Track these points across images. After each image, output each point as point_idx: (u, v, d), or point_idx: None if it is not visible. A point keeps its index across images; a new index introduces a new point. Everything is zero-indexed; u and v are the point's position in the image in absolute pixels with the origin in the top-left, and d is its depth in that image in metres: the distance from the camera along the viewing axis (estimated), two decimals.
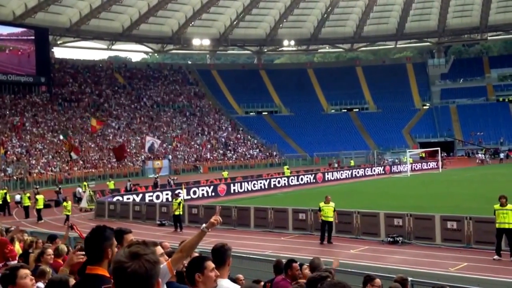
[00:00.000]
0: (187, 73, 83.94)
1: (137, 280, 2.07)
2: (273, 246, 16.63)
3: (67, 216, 23.54)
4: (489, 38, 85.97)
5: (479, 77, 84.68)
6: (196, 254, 4.18)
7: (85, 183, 34.85)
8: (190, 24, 75.36)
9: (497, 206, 13.50)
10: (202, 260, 3.61)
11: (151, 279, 2.11)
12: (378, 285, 5.41)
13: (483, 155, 61.09)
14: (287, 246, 16.56)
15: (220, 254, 3.95)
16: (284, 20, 79.18)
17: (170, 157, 57.25)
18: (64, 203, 24.53)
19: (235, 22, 77.40)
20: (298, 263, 6.37)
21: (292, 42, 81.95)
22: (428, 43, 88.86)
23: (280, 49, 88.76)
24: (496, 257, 13.33)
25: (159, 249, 3.89)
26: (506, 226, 13.20)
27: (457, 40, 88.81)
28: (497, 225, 13.39)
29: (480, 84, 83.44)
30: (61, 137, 51.44)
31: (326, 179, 40.49)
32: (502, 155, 60.80)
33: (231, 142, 68.63)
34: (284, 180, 36.91)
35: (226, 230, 19.39)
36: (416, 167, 51.99)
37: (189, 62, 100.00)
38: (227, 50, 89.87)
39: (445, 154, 66.14)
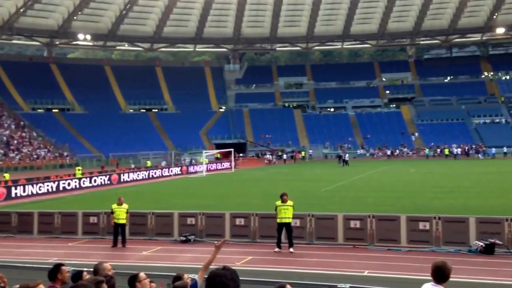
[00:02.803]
0: None
1: None
2: (60, 253, 15.44)
3: None
4: (277, 48, 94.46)
5: (269, 84, 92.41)
6: None
7: None
8: None
9: (278, 202, 14.72)
10: None
11: None
12: (146, 284, 5.46)
13: (270, 156, 66.64)
14: (76, 252, 15.59)
15: None
16: (79, 13, 74.90)
17: None
18: None
19: (21, 10, 70.32)
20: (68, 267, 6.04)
21: (88, 37, 77.92)
22: (224, 49, 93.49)
23: (74, 43, 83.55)
24: (276, 249, 14.49)
25: None
26: (286, 220, 14.49)
27: (250, 48, 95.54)
28: (278, 220, 14.59)
29: (270, 90, 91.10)
30: None
31: (122, 180, 39.42)
32: (285, 156, 67.10)
33: (15, 141, 62.13)
34: (75, 182, 34.74)
35: (3, 238, 17.43)
36: (212, 167, 54.13)
37: None
38: (11, 39, 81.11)
39: (241, 155, 70.40)
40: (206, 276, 3.48)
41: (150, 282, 5.73)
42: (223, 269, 3.43)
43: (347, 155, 56.66)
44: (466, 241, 13.91)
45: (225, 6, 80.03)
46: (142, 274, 5.63)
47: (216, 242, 5.97)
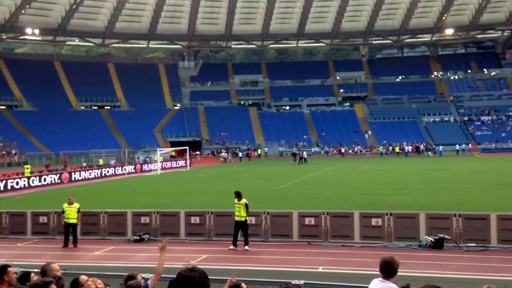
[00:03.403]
0: None
1: None
2: (8, 253, 14.88)
3: None
4: (233, 46, 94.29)
5: (224, 82, 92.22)
6: None
7: None
8: None
9: (236, 200, 14.66)
10: None
11: None
12: (89, 286, 5.30)
13: (226, 154, 66.51)
14: (25, 253, 15.08)
15: None
16: (27, 6, 72.17)
17: None
18: None
19: None
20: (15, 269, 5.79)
21: (37, 31, 75.16)
22: (179, 46, 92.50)
23: (22, 37, 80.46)
24: (232, 247, 14.45)
25: None
26: (237, 218, 14.49)
27: (205, 45, 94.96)
28: (235, 218, 14.58)
29: (225, 88, 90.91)
30: None
31: (73, 179, 38.36)
32: (241, 154, 67.14)
33: None
34: (24, 181, 33.55)
35: None
36: (167, 165, 53.47)
37: None
38: None
39: (197, 153, 69.86)
40: (173, 277, 3.22)
41: (106, 285, 5.53)
42: (191, 271, 3.11)
43: (305, 153, 57.23)
44: (416, 236, 14.31)
45: (179, 2, 79.17)
46: (83, 277, 5.41)
47: (159, 244, 5.78)
